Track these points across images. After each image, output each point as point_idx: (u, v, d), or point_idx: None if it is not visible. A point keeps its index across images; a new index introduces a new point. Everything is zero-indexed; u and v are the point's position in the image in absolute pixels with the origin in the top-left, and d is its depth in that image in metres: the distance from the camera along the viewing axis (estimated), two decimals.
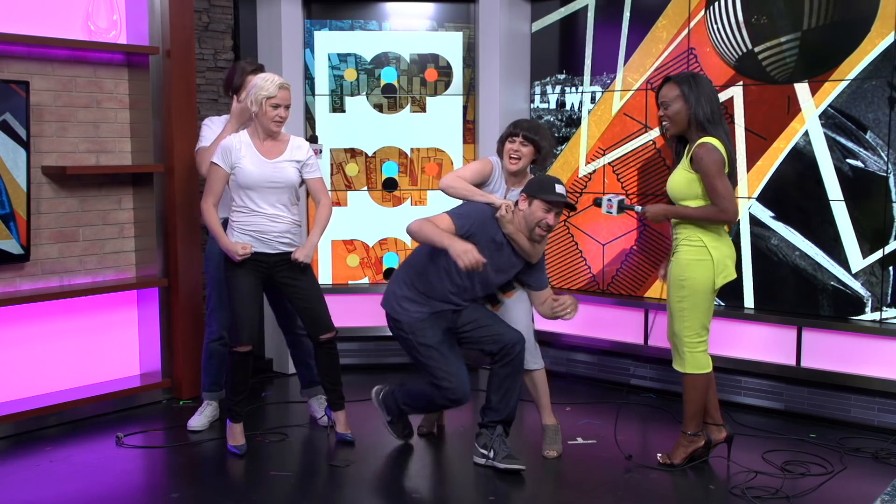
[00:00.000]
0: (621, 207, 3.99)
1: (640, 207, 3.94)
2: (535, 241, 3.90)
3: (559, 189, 3.80)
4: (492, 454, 3.92)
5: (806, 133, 4.57)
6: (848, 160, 4.45)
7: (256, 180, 3.92)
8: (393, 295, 4.02)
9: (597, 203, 4.08)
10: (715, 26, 4.81)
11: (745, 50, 4.71)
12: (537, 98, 5.58)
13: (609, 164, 5.31)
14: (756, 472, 3.80)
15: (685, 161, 3.75)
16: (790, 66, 4.59)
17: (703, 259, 3.73)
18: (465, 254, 3.59)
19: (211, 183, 3.99)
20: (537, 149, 4.02)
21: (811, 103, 4.55)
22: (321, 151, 4.19)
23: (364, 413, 4.55)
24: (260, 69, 4.35)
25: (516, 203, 3.89)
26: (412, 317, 3.94)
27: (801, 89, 4.58)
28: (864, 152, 4.41)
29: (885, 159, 4.35)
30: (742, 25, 4.69)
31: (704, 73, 4.86)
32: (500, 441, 3.94)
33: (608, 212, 4.02)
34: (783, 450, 4.08)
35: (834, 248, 4.52)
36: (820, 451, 4.10)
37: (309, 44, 5.49)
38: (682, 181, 3.76)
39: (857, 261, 4.47)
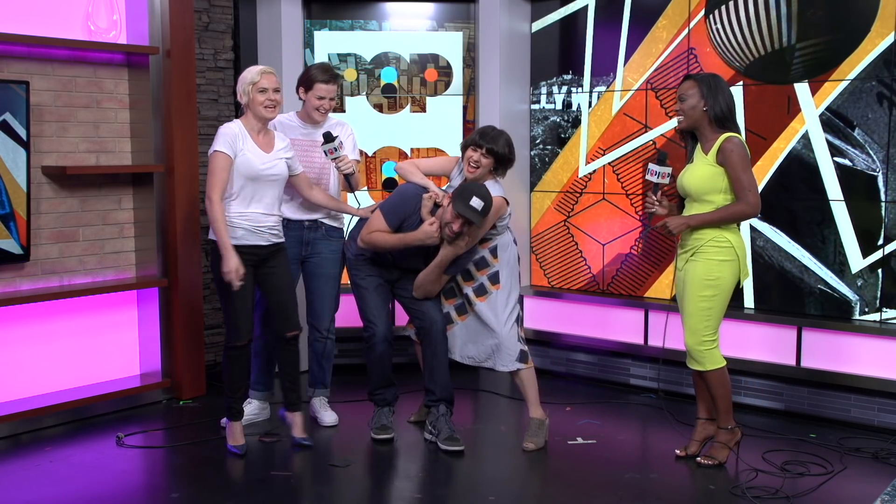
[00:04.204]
0: (657, 186, 3.96)
1: (662, 208, 3.94)
2: (447, 240, 3.97)
3: (474, 202, 3.83)
4: (437, 433, 4.15)
5: (806, 134, 4.57)
6: (842, 159, 4.45)
7: (259, 171, 3.91)
8: (350, 238, 4.33)
9: (661, 160, 3.98)
10: (737, 21, 4.73)
11: (782, 46, 4.60)
12: (543, 98, 5.58)
13: (609, 164, 5.31)
14: (756, 472, 3.80)
15: (707, 156, 3.78)
16: (806, 66, 4.55)
17: (730, 259, 3.79)
18: (430, 238, 3.94)
19: (218, 172, 3.82)
20: (498, 161, 4.07)
21: (811, 103, 4.55)
22: (343, 142, 4.22)
23: (364, 413, 4.54)
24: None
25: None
26: (353, 252, 4.22)
27: (801, 89, 4.58)
28: (854, 150, 4.41)
29: (877, 159, 4.35)
30: (793, 19, 4.57)
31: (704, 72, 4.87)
32: (444, 420, 4.16)
33: (652, 179, 3.96)
34: (783, 450, 4.08)
35: (835, 249, 4.52)
36: (820, 451, 4.09)
37: (309, 44, 5.49)
38: (705, 175, 3.78)
39: (857, 261, 4.47)
